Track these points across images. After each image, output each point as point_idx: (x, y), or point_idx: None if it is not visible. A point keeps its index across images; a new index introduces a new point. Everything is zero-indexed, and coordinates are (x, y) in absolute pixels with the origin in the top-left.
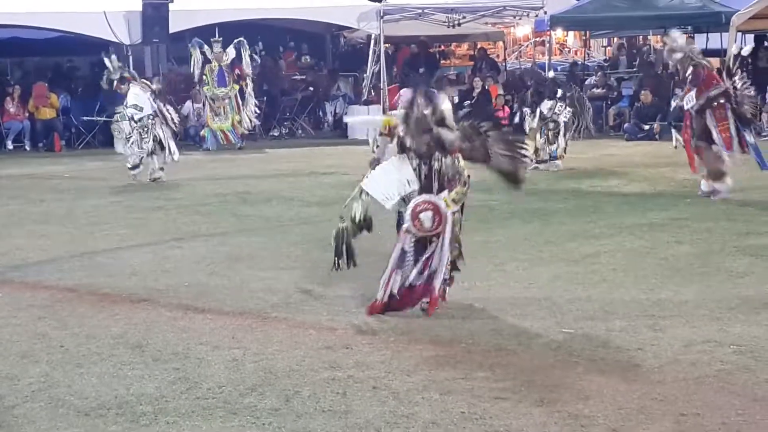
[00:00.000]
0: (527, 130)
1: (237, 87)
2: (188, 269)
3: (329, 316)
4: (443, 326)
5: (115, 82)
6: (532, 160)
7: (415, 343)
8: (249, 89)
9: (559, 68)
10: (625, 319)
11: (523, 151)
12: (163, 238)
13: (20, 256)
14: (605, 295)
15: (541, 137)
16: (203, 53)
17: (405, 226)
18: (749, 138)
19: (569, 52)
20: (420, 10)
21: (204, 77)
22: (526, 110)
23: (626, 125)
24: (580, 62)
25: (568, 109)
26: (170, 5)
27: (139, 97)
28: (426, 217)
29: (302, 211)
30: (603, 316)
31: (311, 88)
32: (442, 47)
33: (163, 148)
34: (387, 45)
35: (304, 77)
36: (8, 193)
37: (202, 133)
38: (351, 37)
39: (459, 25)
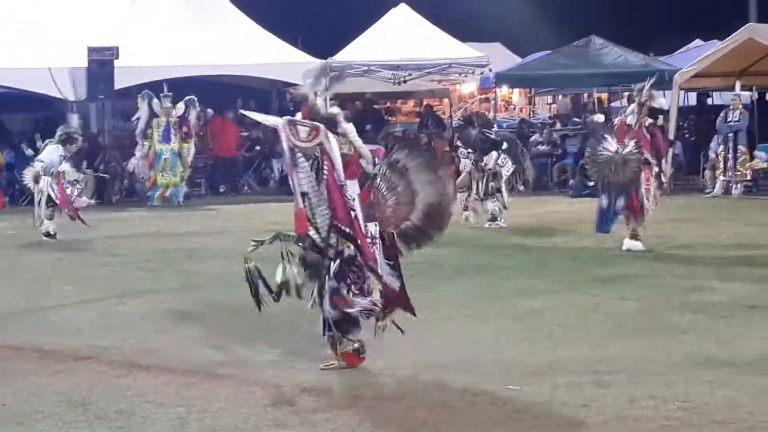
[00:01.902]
0: (462, 171)
1: (186, 144)
2: (133, 326)
3: (275, 373)
4: (388, 382)
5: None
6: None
7: (359, 399)
8: (191, 147)
9: (504, 125)
10: (570, 375)
11: (445, 173)
12: (107, 295)
13: None
14: (550, 351)
15: (480, 189)
16: (151, 106)
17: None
18: (603, 201)
19: (515, 109)
20: (366, 67)
21: (149, 131)
22: (464, 152)
23: (571, 182)
24: (528, 119)
25: (511, 163)
26: (116, 61)
27: None
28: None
29: None
30: (548, 372)
31: (257, 147)
32: (388, 104)
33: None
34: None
35: (248, 134)
36: None
37: (148, 187)
38: (297, 94)
39: (405, 82)
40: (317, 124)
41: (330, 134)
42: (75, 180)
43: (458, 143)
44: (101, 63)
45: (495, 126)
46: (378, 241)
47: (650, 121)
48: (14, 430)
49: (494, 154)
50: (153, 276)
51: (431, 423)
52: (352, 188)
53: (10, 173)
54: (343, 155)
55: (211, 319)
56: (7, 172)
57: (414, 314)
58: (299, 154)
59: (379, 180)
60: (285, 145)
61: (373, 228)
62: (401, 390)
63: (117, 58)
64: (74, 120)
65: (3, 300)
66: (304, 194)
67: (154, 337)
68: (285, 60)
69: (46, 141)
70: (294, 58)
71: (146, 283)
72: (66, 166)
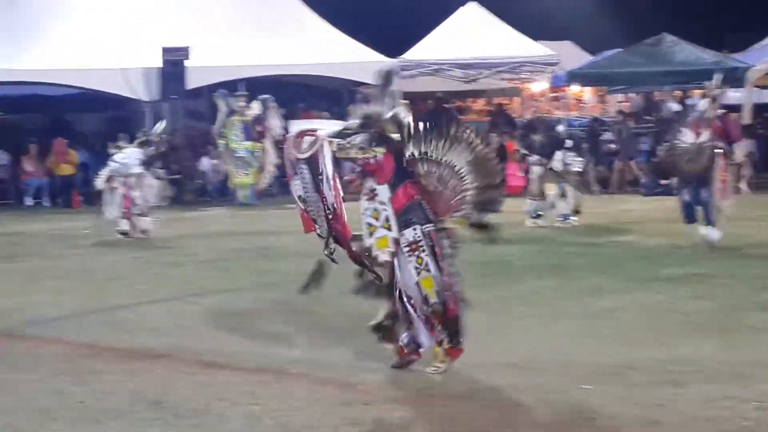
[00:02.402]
0: (533, 178)
1: (260, 144)
2: (206, 325)
3: (347, 372)
4: (461, 382)
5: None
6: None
7: (433, 398)
8: (268, 147)
9: (576, 123)
10: (644, 375)
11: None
12: (181, 294)
13: (39, 311)
14: (624, 351)
15: (558, 190)
16: (228, 105)
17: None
18: (684, 195)
19: (585, 107)
20: (436, 66)
21: (223, 130)
22: (532, 159)
23: (643, 180)
24: (599, 118)
25: (579, 159)
26: (187, 62)
27: None
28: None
29: None
30: (621, 372)
31: None
32: (459, 103)
33: None
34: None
35: None
36: (27, 250)
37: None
38: (367, 93)
39: (475, 80)
40: (319, 134)
41: (326, 144)
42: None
43: (524, 151)
44: (173, 63)
45: (560, 125)
46: (423, 245)
47: (722, 111)
48: (91, 428)
49: (558, 154)
50: (226, 275)
51: (505, 422)
52: (383, 193)
53: (85, 173)
54: (350, 159)
55: (283, 318)
56: (82, 172)
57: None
58: (301, 164)
59: (419, 177)
60: (285, 154)
61: (410, 233)
62: (474, 389)
63: (188, 58)
64: (157, 125)
65: (78, 299)
66: (299, 198)
67: (227, 335)
68: (355, 59)
69: (126, 144)
70: (364, 57)
71: (219, 282)
72: (140, 170)
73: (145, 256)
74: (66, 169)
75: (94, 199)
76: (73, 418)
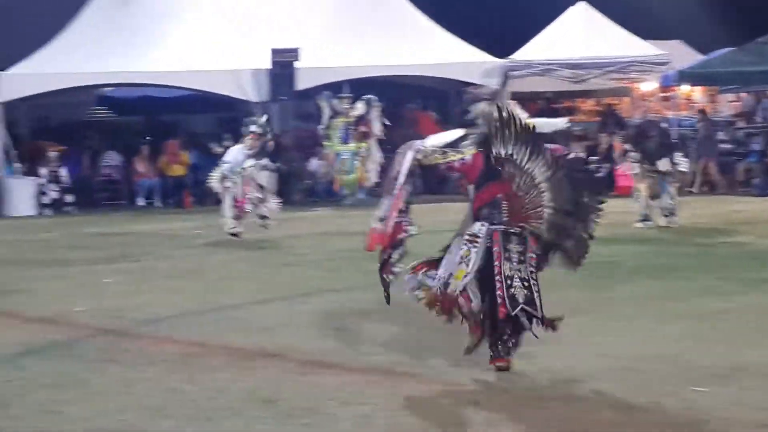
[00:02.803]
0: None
1: (364, 144)
2: (316, 324)
3: (457, 372)
4: (570, 383)
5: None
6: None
7: (542, 400)
8: (373, 145)
9: (686, 123)
10: (756, 377)
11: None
12: (291, 293)
13: (151, 311)
14: (735, 353)
15: (662, 191)
16: (332, 107)
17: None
18: None
19: (695, 107)
20: (545, 66)
21: (328, 132)
22: (633, 155)
23: (756, 180)
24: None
25: (685, 159)
26: (297, 63)
27: None
28: None
29: None
30: (734, 374)
31: None
32: (568, 103)
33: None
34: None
35: None
36: (139, 249)
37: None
38: (475, 94)
39: (584, 81)
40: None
41: (411, 153)
42: (261, 185)
43: (628, 146)
44: (283, 65)
45: (664, 124)
46: (479, 242)
47: None
48: (203, 426)
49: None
50: (334, 275)
51: (617, 424)
52: (471, 192)
53: (196, 174)
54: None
55: (391, 318)
56: (193, 172)
57: (535, 334)
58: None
59: (506, 177)
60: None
61: (477, 227)
62: (584, 390)
63: (297, 59)
64: (260, 117)
65: (190, 298)
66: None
67: (336, 335)
68: (463, 59)
69: (231, 144)
70: (473, 58)
71: (327, 281)
72: (251, 162)
73: (256, 256)
74: (177, 170)
75: (205, 199)
76: (186, 416)
